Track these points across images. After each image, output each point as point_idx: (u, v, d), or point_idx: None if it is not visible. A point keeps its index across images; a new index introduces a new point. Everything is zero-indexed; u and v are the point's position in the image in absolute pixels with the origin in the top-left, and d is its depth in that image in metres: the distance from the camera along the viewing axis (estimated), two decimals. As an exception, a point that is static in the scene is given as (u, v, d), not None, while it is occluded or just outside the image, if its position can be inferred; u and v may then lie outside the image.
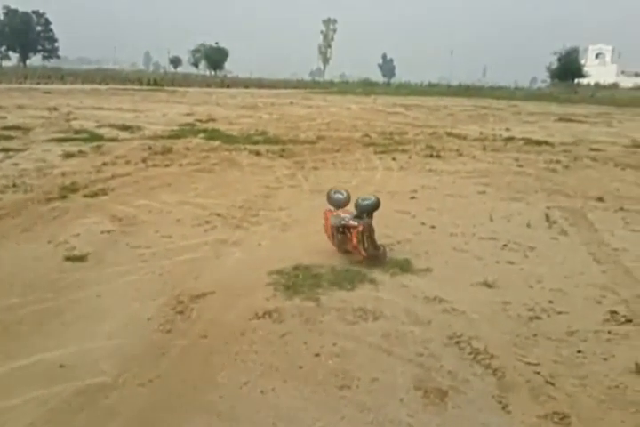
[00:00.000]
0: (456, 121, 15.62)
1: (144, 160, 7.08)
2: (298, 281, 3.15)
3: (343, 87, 54.74)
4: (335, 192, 3.84)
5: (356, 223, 3.46)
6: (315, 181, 6.26)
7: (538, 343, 2.54)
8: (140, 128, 10.80)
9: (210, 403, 2.02)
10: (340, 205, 3.73)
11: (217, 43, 78.57)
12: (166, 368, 2.22)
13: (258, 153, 8.12)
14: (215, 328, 2.57)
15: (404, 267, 3.46)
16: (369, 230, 3.46)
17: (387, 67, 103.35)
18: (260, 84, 51.79)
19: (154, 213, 4.57)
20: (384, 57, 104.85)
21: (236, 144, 9.02)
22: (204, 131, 10.75)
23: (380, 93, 39.78)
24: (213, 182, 5.95)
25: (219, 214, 4.58)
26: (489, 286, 3.22)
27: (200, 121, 12.87)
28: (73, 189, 5.33)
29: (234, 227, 4.26)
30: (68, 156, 7.27)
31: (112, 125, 10.97)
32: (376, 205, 3.55)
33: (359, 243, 3.45)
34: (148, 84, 37.53)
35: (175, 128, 11.14)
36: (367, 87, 54.20)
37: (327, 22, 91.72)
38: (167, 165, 6.86)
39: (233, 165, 7.08)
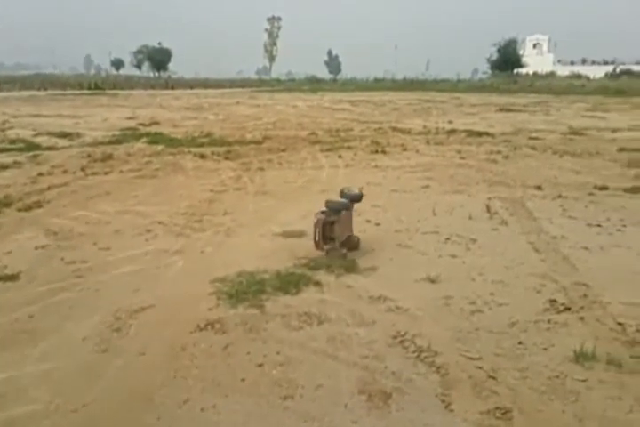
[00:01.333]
0: (401, 115, 15.80)
1: (83, 168, 6.84)
2: (242, 288, 3.09)
3: (290, 85, 54.66)
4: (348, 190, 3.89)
5: (315, 219, 3.60)
6: (260, 182, 6.20)
7: (480, 337, 2.57)
8: (79, 135, 10.45)
9: (146, 426, 1.94)
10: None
11: (160, 43, 77.02)
12: (101, 391, 2.13)
13: (203, 156, 7.98)
14: (154, 344, 2.48)
15: (350, 267, 3.45)
16: (321, 224, 3.58)
17: (333, 63, 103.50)
18: (206, 84, 51.10)
19: (92, 225, 4.41)
20: (330, 53, 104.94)
21: (180, 147, 8.84)
22: (147, 135, 10.50)
23: (326, 90, 39.90)
24: (155, 189, 5.80)
25: (160, 222, 4.46)
26: (432, 281, 3.24)
27: (143, 125, 12.56)
28: (6, 202, 5.09)
29: (176, 235, 4.16)
30: (2, 167, 6.95)
31: (50, 133, 10.57)
32: (358, 197, 3.81)
33: (314, 237, 3.61)
34: (89, 88, 36.37)
35: (116, 133, 10.84)
36: (314, 84, 54.25)
37: (272, 20, 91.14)
38: (107, 173, 6.65)
39: (176, 170, 6.92)
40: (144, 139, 9.87)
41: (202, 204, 5.16)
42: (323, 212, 3.67)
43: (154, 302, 2.93)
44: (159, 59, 76.66)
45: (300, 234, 4.17)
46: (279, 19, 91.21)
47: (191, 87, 43.76)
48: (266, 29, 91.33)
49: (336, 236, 3.66)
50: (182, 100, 24.30)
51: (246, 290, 3.07)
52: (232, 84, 53.79)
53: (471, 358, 2.38)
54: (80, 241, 3.99)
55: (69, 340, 2.53)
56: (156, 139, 9.84)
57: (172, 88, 41.39)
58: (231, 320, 2.73)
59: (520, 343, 2.51)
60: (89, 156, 7.87)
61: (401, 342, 2.53)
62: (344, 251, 3.65)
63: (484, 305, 2.92)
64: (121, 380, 2.21)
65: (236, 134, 10.87)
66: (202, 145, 9.17)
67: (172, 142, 9.41)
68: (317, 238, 3.65)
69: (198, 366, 2.31)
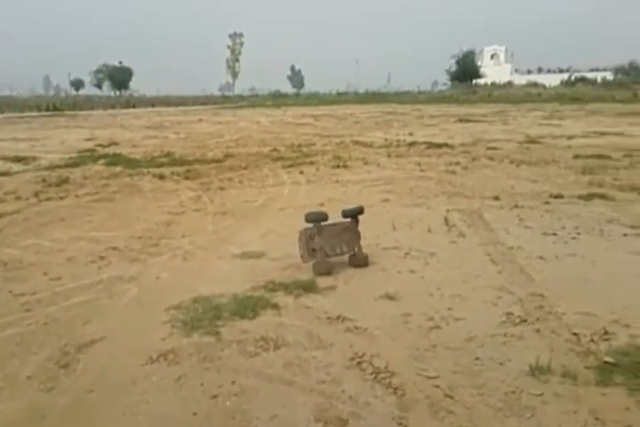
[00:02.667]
0: (363, 129, 15.95)
1: (36, 194, 6.66)
2: (197, 315, 3.02)
3: (253, 101, 54.78)
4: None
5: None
6: (220, 202, 6.13)
7: (437, 354, 2.56)
8: (35, 158, 10.22)
9: (91, 469, 1.85)
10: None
11: (121, 62, 76.47)
12: (44, 434, 2.03)
13: (162, 176, 7.87)
14: (103, 380, 2.39)
15: (308, 287, 3.41)
16: (303, 236, 3.73)
17: (296, 78, 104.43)
18: (168, 101, 50.77)
19: (43, 254, 4.27)
20: (292, 68, 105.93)
21: (139, 168, 8.71)
22: (105, 156, 10.33)
23: (290, 105, 40.11)
24: (112, 213, 5.67)
25: (115, 248, 4.35)
26: (391, 298, 3.23)
27: (101, 146, 12.37)
28: (-47, 233, 4.89)
29: (131, 260, 4.05)
30: (-50, 196, 6.70)
31: (4, 158, 10.32)
32: (358, 211, 3.91)
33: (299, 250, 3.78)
34: (48, 109, 35.66)
35: (74, 155, 10.65)
36: (277, 99, 54.53)
37: (233, 36, 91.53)
38: (62, 198, 6.48)
39: (134, 192, 6.80)
40: (102, 160, 9.70)
41: (159, 227, 5.06)
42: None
43: (104, 334, 2.83)
44: (120, 78, 76.12)
45: (260, 255, 4.12)
46: (241, 35, 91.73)
47: (153, 105, 43.42)
48: (228, 46, 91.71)
49: (317, 248, 3.70)
50: (143, 119, 24.06)
51: (202, 317, 3.00)
52: (195, 101, 53.57)
53: (428, 377, 2.36)
54: (30, 271, 3.85)
55: (13, 379, 2.42)
56: (114, 160, 9.68)
57: (134, 107, 40.99)
58: (185, 350, 2.65)
59: (477, 359, 2.50)
60: (44, 180, 7.67)
61: (358, 363, 2.50)
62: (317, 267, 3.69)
63: (441, 321, 2.91)
64: (66, 420, 2.11)
65: (197, 153, 10.79)
66: (161, 165, 9.06)
67: (130, 163, 9.27)
68: (302, 252, 3.74)
69: (149, 401, 2.23)
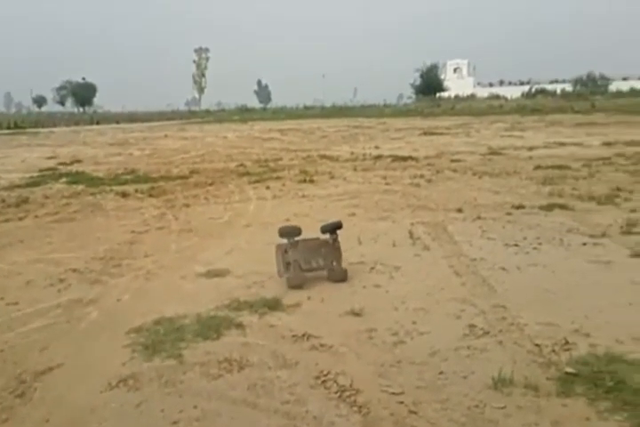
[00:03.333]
0: (329, 142, 16.05)
1: (-6, 215, 6.47)
2: (159, 337, 2.95)
3: (220, 115, 54.67)
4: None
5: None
6: (185, 219, 6.06)
7: (402, 370, 2.55)
8: (-7, 178, 9.94)
9: None
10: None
11: (84, 78, 75.58)
12: (-5, 470, 1.95)
13: (125, 194, 7.75)
14: (60, 409, 2.31)
15: (273, 305, 3.38)
16: (279, 250, 3.81)
17: (263, 92, 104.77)
18: (133, 117, 50.30)
19: (0, 277, 4.13)
20: (259, 83, 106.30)
21: (102, 186, 8.57)
22: (67, 175, 10.15)
23: (257, 119, 40.16)
24: (73, 233, 5.54)
25: (75, 270, 4.24)
26: (357, 314, 3.22)
27: (64, 164, 12.15)
28: None
29: (91, 282, 3.96)
30: None
31: (-40, 178, 10.00)
32: (336, 225, 3.97)
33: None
34: (9, 127, 34.85)
35: (35, 174, 10.43)
36: (244, 114, 54.57)
37: (199, 51, 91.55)
38: (21, 218, 6.31)
39: (96, 211, 6.67)
40: (64, 179, 9.52)
41: (121, 246, 4.96)
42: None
43: (62, 360, 2.75)
44: (83, 94, 75.20)
45: (224, 273, 4.07)
46: (207, 50, 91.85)
47: (117, 122, 42.87)
48: (194, 61, 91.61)
49: (291, 261, 3.74)
50: (107, 136, 23.76)
51: (164, 339, 2.93)
52: (161, 116, 53.17)
53: (393, 394, 2.35)
54: (-15, 297, 3.72)
55: (-36, 412, 2.32)
56: (76, 178, 9.51)
57: (98, 123, 40.42)
58: (146, 374, 2.59)
59: (441, 373, 2.51)
60: (3, 201, 7.47)
61: (323, 382, 2.47)
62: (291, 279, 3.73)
63: (406, 335, 2.92)
64: (19, 454, 2.03)
65: (162, 170, 10.68)
66: (125, 183, 8.93)
67: (93, 182, 9.11)
68: (278, 267, 3.83)
69: (107, 429, 2.16)
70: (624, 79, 52.54)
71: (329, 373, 2.54)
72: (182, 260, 4.50)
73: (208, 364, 2.67)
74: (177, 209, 6.64)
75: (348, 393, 2.37)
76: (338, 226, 3.98)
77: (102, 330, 3.14)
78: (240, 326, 3.09)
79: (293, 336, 2.96)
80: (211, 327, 3.06)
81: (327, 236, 3.92)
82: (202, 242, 5.06)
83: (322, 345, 2.84)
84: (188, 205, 6.86)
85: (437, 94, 53.47)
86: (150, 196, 7.63)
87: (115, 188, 8.38)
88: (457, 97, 52.12)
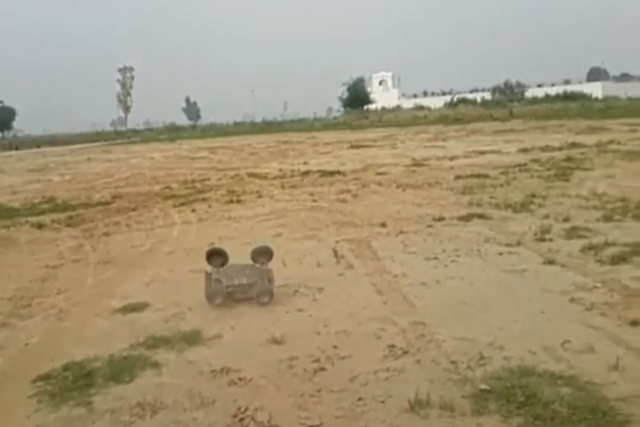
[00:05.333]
0: (258, 159, 16.00)
1: None
2: (67, 385, 2.77)
3: (147, 135, 53.52)
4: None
5: None
6: (104, 249, 5.81)
7: (322, 399, 2.51)
8: None
9: None
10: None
11: (1, 102, 72.22)
12: None
13: (41, 225, 7.37)
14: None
15: (192, 338, 3.27)
16: (207, 277, 3.81)
17: (191, 110, 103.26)
18: (55, 140, 48.27)
19: None
20: (187, 100, 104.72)
21: (17, 218, 8.12)
22: (-22, 207, 9.53)
23: (186, 138, 39.58)
24: (-21, 272, 5.18)
25: (-20, 314, 3.96)
26: (278, 342, 3.16)
27: (-25, 195, 11.42)
28: None
29: (-3, 327, 3.70)
30: None
31: None
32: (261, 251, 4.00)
33: None
34: None
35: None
36: (172, 133, 53.63)
37: (124, 70, 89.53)
38: None
39: (8, 246, 6.29)
40: (-27, 212, 8.94)
41: (33, 284, 4.69)
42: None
43: (-44, 419, 2.53)
44: (1, 118, 71.84)
45: (142, 307, 3.91)
46: (131, 69, 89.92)
47: (38, 146, 41.04)
48: (118, 80, 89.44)
49: (214, 279, 3.79)
50: (26, 162, 22.72)
51: (72, 386, 2.76)
52: (84, 138, 51.38)
53: (311, 426, 2.30)
54: None
55: None
56: (-12, 211, 8.96)
57: (17, 149, 38.54)
58: (52, 426, 2.42)
59: (360, 399, 2.48)
60: None
61: (241, 420, 2.39)
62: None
63: (327, 361, 2.88)
64: None
65: (83, 196, 10.29)
66: (42, 213, 8.51)
67: (7, 213, 8.63)
68: (206, 292, 3.83)
69: None
70: (539, 86, 55.45)
71: (247, 409, 2.46)
72: (98, 295, 4.29)
73: (119, 410, 2.53)
74: (96, 239, 6.37)
75: (265, 430, 2.30)
76: (266, 250, 3.99)
77: (6, 380, 2.93)
78: (155, 365, 2.96)
79: (212, 371, 2.86)
80: (124, 369, 2.91)
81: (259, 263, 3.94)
82: (120, 274, 4.86)
83: (241, 379, 2.76)
84: (107, 234, 6.60)
85: (365, 107, 54.54)
86: (68, 226, 7.29)
87: (30, 219, 7.95)
88: (383, 109, 53.29)
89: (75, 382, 2.79)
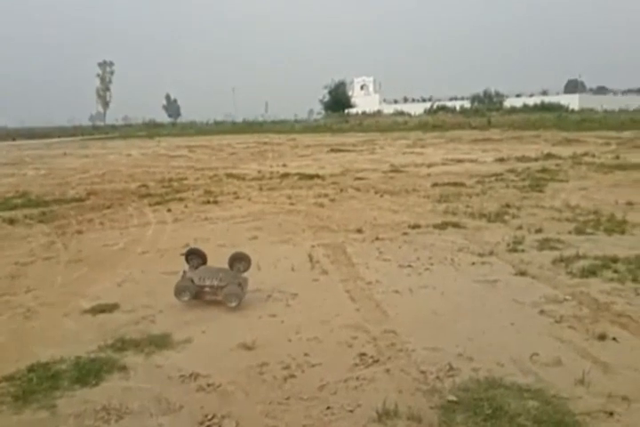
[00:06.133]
0: (238, 160, 15.92)
1: None
2: (31, 387, 2.72)
3: (126, 131, 52.85)
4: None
5: None
6: (76, 247, 5.71)
7: (290, 407, 2.50)
8: None
9: None
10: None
11: (-25, 92, 70.69)
12: None
13: (12, 221, 7.22)
14: None
15: (161, 342, 3.23)
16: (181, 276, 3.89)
17: (172, 107, 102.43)
18: (31, 134, 47.31)
19: None
20: (168, 97, 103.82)
21: (-13, 213, 7.92)
22: (-53, 201, 9.29)
23: (165, 135, 39.20)
24: (-55, 268, 5.05)
25: (-58, 312, 3.85)
26: (249, 348, 3.14)
27: (-56, 187, 11.14)
28: None
29: (-40, 326, 3.61)
30: None
31: None
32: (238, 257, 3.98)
33: None
34: None
35: None
36: (152, 129, 53.02)
37: (103, 65, 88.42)
38: None
39: (-23, 242, 6.14)
40: (-57, 205, 8.71)
41: (1, 281, 4.59)
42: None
43: None
44: (-26, 108, 70.28)
45: (112, 308, 3.85)
46: (111, 63, 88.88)
47: (14, 139, 40.20)
48: (97, 74, 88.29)
49: (187, 277, 3.86)
50: (0, 154, 22.18)
51: (37, 388, 2.70)
52: (62, 132, 50.48)
53: (279, 435, 2.29)
54: None
55: None
56: (-44, 206, 8.74)
57: (-9, 140, 37.71)
58: (13, 431, 2.37)
59: (328, 408, 2.48)
60: None
61: (207, 427, 2.37)
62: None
63: (297, 368, 2.88)
64: None
65: (57, 191, 10.11)
66: (14, 207, 8.35)
67: (-23, 207, 8.42)
68: (175, 288, 3.86)
69: None
70: (517, 96, 56.28)
71: (214, 416, 2.44)
72: (67, 294, 4.22)
73: (84, 414, 2.49)
74: (68, 236, 6.26)
75: (231, 438, 2.28)
76: (242, 257, 3.98)
77: (-33, 381, 2.85)
78: (123, 368, 2.91)
79: (181, 377, 2.83)
80: (90, 372, 2.86)
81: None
82: (92, 273, 4.78)
83: (209, 385, 2.73)
84: (80, 232, 6.49)
85: (346, 110, 54.71)
86: (40, 222, 7.16)
87: (2, 213, 7.78)
88: (364, 113, 53.53)
89: (39, 385, 2.74)
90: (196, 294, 3.86)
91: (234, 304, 3.74)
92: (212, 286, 3.82)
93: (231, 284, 3.77)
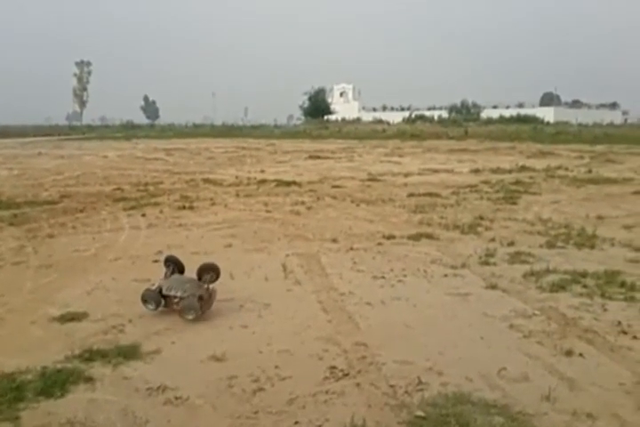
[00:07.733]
0: (215, 165, 15.84)
1: None
2: (-6, 398, 2.66)
3: (102, 132, 52.18)
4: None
5: None
6: (46, 252, 5.61)
7: (258, 422, 2.49)
8: None
9: None
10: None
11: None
12: None
13: (-19, 223, 7.05)
14: None
15: (130, 353, 3.18)
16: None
17: (150, 109, 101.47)
18: (6, 132, 46.34)
19: None
20: (146, 99, 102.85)
21: (-45, 214, 7.73)
22: None
23: (142, 137, 38.80)
24: None
25: None
26: (218, 359, 3.12)
27: None
28: None
29: None
30: None
31: None
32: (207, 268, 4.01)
33: None
34: None
35: None
36: (129, 131, 52.45)
37: (81, 64, 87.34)
38: None
39: (-57, 245, 5.99)
40: None
41: (-33, 287, 4.48)
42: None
43: None
44: (-53, 105, 68.74)
45: (81, 316, 3.78)
46: (89, 63, 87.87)
47: (-15, 137, 39.34)
48: (75, 74, 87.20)
49: (156, 285, 3.84)
50: (-29, 154, 21.69)
51: (0, 399, 2.64)
52: (37, 131, 49.56)
53: (246, 451, 2.28)
54: None
55: None
56: None
57: (-38, 138, 36.83)
58: (-28, 445, 2.31)
59: (296, 423, 2.47)
60: None
61: (174, 441, 2.35)
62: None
63: (267, 381, 2.86)
64: None
65: (30, 193, 9.92)
66: (-17, 209, 8.15)
67: (-56, 208, 8.21)
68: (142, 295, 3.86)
69: None
70: (494, 107, 57.14)
71: (180, 431, 2.42)
72: (36, 301, 4.14)
73: (47, 428, 2.44)
74: (39, 240, 6.14)
75: (198, 453, 2.26)
76: (216, 271, 3.98)
77: None
78: (90, 379, 2.87)
79: (148, 389, 2.79)
80: (56, 383, 2.80)
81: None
82: (62, 279, 4.70)
83: (177, 398, 2.71)
84: (52, 236, 6.38)
85: (325, 117, 54.91)
86: (11, 224, 7.01)
87: (-30, 215, 7.60)
88: (344, 120, 53.81)
89: (3, 396, 2.67)
90: (165, 304, 3.82)
91: (190, 317, 3.69)
92: (175, 296, 3.77)
93: (191, 296, 3.72)
